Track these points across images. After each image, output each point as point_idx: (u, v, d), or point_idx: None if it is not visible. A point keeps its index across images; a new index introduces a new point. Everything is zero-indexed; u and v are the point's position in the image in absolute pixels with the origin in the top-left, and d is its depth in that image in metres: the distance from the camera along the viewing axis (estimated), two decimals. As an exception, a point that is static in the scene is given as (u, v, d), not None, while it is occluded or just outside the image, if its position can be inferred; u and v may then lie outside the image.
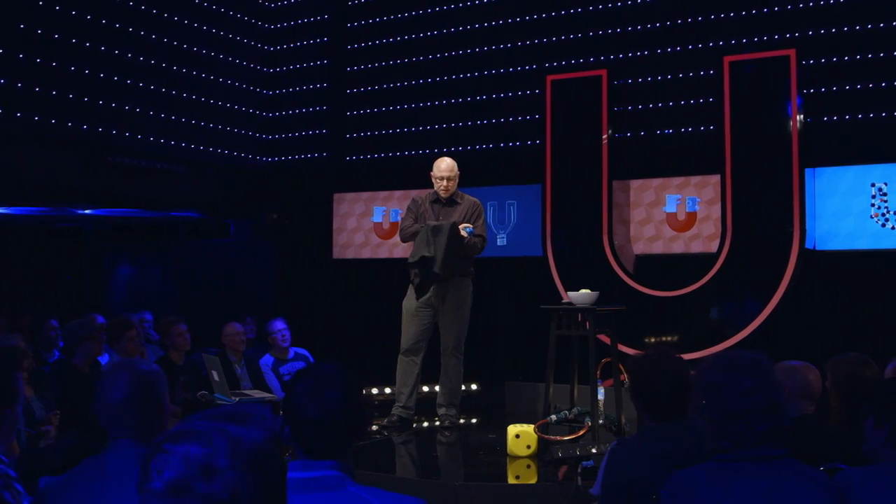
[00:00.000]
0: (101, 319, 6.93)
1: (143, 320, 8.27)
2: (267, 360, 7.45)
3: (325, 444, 2.20)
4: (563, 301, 5.55)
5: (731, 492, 2.51)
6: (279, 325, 7.59)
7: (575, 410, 5.33)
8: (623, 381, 5.41)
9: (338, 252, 10.35)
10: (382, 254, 10.12)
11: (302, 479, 2.16)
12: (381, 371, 8.48)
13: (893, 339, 6.61)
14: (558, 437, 5.22)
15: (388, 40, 10.35)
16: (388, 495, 2.18)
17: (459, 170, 6.83)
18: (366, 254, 10.20)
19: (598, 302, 5.52)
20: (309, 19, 10.81)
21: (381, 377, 7.90)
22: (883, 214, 7.77)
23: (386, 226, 10.12)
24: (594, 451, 4.63)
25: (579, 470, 4.48)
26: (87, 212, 10.13)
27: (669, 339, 8.21)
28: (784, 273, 7.72)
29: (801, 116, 7.74)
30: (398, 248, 9.99)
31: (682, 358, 3.51)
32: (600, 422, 5.18)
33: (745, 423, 2.55)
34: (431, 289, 6.28)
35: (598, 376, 5.47)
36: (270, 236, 10.53)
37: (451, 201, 6.58)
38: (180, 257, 11.48)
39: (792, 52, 7.79)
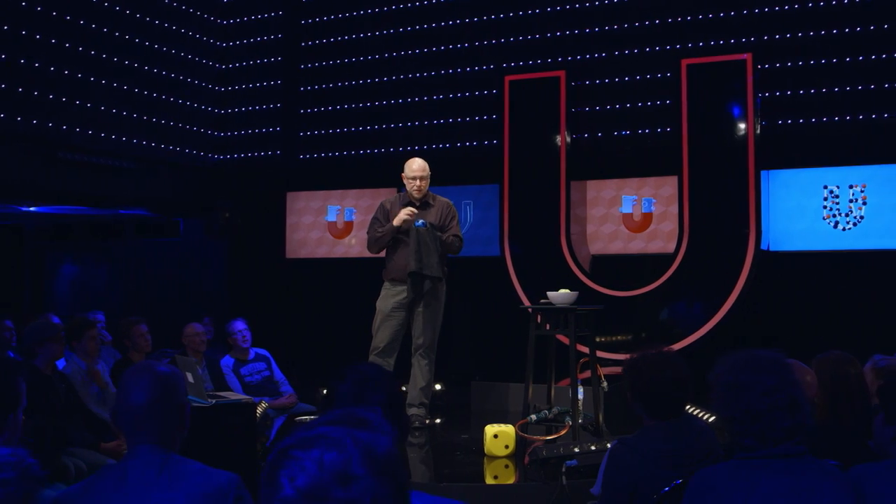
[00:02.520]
0: (56, 320, 6.73)
1: (96, 321, 8.05)
2: (227, 362, 7.32)
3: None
4: (542, 301, 5.55)
5: (757, 489, 2.53)
6: (239, 325, 7.46)
7: (555, 410, 5.35)
8: (601, 380, 5.44)
9: (291, 251, 10.23)
10: (337, 253, 10.03)
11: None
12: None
13: (846, 338, 6.77)
14: (542, 438, 5.23)
15: (343, 38, 10.26)
16: (431, 499, 2.14)
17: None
18: (320, 253, 10.10)
19: (575, 302, 5.53)
20: (263, 15, 10.65)
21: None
22: (834, 216, 7.96)
23: (340, 225, 10.03)
24: (577, 450, 4.65)
25: (563, 469, 4.49)
26: (31, 209, 9.84)
27: (624, 338, 8.30)
28: (740, 273, 7.86)
29: (757, 119, 7.89)
30: (354, 248, 9.92)
31: (680, 356, 3.53)
32: (580, 421, 5.20)
33: (769, 421, 2.57)
34: (406, 289, 6.24)
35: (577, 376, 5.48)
36: (222, 235, 10.35)
37: (424, 203, 6.52)
38: (127, 256, 11.22)
39: (748, 56, 7.94)
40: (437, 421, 6.57)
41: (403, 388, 6.63)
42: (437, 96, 9.74)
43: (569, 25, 9.11)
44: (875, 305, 7.71)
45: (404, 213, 6.32)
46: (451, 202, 6.63)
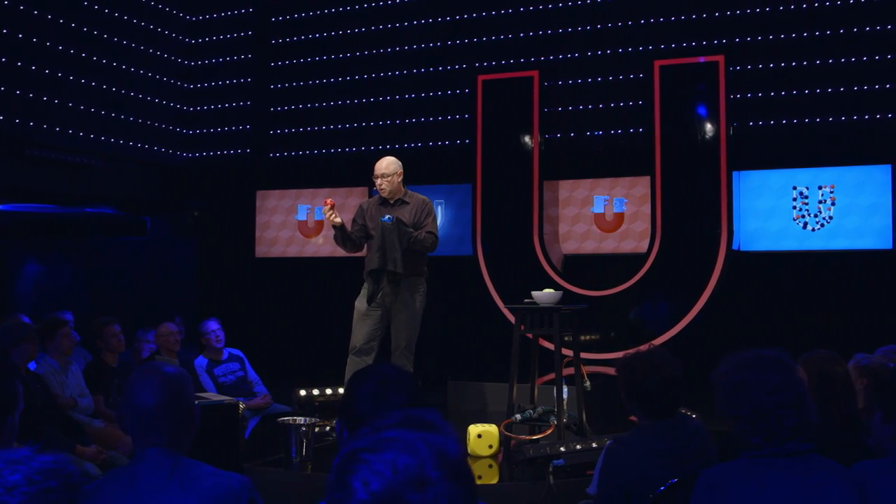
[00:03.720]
0: (26, 320, 6.61)
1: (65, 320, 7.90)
2: (201, 362, 7.22)
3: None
4: (527, 301, 5.55)
5: (765, 487, 2.55)
6: (213, 325, 7.37)
7: (539, 409, 5.35)
8: (584, 379, 5.46)
9: (261, 251, 10.14)
10: (308, 252, 9.97)
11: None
12: (315, 371, 8.36)
13: (816, 336, 6.87)
14: (529, 437, 5.23)
15: (314, 35, 10.20)
16: None
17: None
18: (291, 252, 10.03)
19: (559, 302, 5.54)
20: (233, 12, 10.55)
21: (317, 377, 7.79)
22: (804, 217, 8.07)
23: (311, 224, 9.97)
24: (563, 449, 4.65)
25: (550, 469, 4.49)
26: (-5, 207, 9.66)
27: (597, 337, 8.34)
28: (712, 272, 7.94)
29: (729, 121, 7.96)
30: (325, 247, 9.86)
31: (673, 356, 3.55)
32: (564, 420, 5.21)
33: (775, 419, 2.59)
34: (383, 288, 6.18)
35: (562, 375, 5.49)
36: (190, 234, 10.23)
37: (399, 201, 6.45)
38: (92, 255, 11.03)
39: (721, 58, 8.02)
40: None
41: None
42: (410, 95, 9.71)
43: (542, 26, 9.14)
44: (844, 305, 7.84)
45: (327, 201, 6.23)
46: (427, 199, 6.57)
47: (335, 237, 6.40)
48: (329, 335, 9.31)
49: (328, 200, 6.26)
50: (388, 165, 6.42)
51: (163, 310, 9.33)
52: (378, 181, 6.40)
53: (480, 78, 8.83)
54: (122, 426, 2.40)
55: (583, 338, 8.12)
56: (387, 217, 6.18)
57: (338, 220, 6.19)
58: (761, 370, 2.67)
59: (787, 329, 7.85)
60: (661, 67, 8.21)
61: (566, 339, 5.83)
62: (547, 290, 5.48)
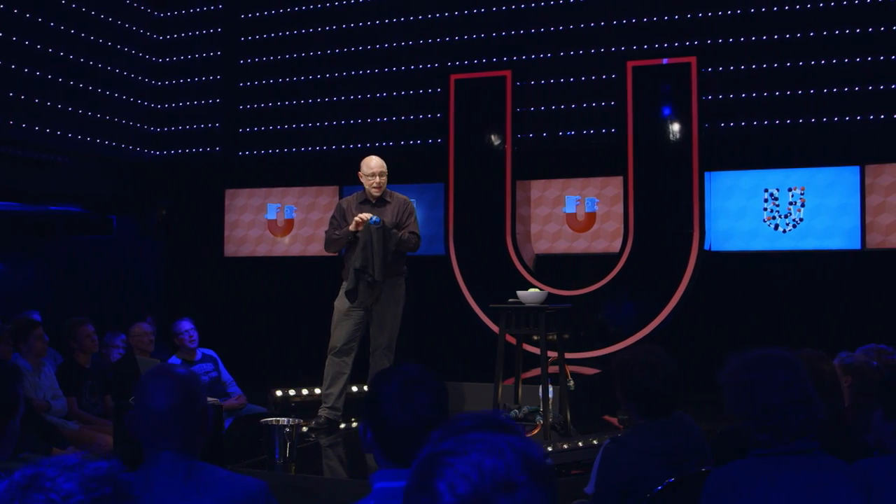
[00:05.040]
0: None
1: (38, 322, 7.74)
2: (174, 363, 7.12)
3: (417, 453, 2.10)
4: (511, 300, 5.55)
5: (776, 485, 2.58)
6: (186, 325, 7.27)
7: (525, 409, 5.35)
8: (568, 379, 5.47)
9: (230, 250, 10.04)
10: (278, 251, 9.88)
11: (396, 488, 2.06)
12: (287, 371, 8.29)
13: (786, 335, 6.96)
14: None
15: (285, 33, 10.10)
16: None
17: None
18: (261, 251, 9.94)
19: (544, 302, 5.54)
20: (202, 8, 10.41)
21: (288, 377, 7.73)
22: (774, 218, 8.17)
23: (281, 223, 9.88)
24: (550, 449, 4.66)
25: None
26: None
27: (570, 337, 8.36)
28: (684, 272, 8.00)
29: (701, 122, 8.03)
30: (295, 246, 9.79)
31: (669, 355, 3.56)
32: (550, 420, 5.22)
33: (783, 416, 2.62)
34: (363, 288, 6.13)
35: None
36: (157, 233, 10.08)
37: (381, 201, 6.42)
38: (56, 255, 10.84)
39: (693, 60, 8.08)
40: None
41: None
42: (382, 94, 9.67)
43: (515, 25, 9.14)
44: (813, 304, 7.95)
45: (358, 218, 6.18)
46: (408, 199, 6.56)
47: (338, 238, 6.32)
48: (300, 335, 9.25)
49: (364, 217, 6.16)
50: (383, 165, 6.42)
51: (129, 310, 9.19)
52: (376, 179, 6.35)
53: (453, 77, 8.80)
54: (133, 429, 2.34)
55: (550, 337, 8.18)
56: (374, 219, 6.13)
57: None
58: (769, 369, 2.70)
59: (757, 328, 7.96)
60: (634, 68, 8.26)
61: (550, 338, 5.83)
62: (532, 290, 5.49)
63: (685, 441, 3.49)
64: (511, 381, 6.11)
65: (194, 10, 10.44)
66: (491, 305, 5.87)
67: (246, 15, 10.26)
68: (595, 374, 7.21)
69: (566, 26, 8.96)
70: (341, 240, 6.31)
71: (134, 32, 10.15)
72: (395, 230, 6.23)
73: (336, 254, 6.61)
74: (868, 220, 7.87)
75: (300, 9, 10.02)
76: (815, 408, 2.67)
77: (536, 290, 5.53)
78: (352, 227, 6.19)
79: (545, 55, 9.03)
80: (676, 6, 8.61)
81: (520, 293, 5.49)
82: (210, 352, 7.46)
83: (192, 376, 2.38)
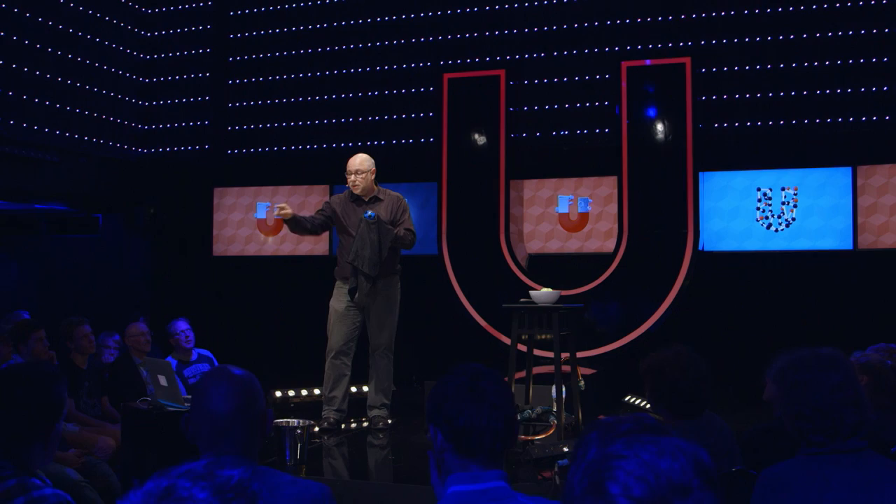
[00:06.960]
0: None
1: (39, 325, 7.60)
2: (170, 363, 7.03)
3: (491, 455, 2.09)
4: (523, 300, 5.53)
5: (831, 483, 2.59)
6: (182, 325, 7.19)
7: (539, 409, 5.34)
8: (579, 378, 5.47)
9: (219, 249, 9.94)
10: (268, 251, 9.81)
11: (473, 491, 2.04)
12: (279, 371, 8.22)
13: (778, 335, 7.02)
14: (532, 437, 5.21)
15: (275, 31, 10.02)
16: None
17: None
18: (250, 251, 9.86)
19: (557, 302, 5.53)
20: (191, 5, 10.30)
21: (280, 377, 7.67)
22: (767, 218, 8.23)
23: (270, 222, 9.80)
24: (566, 449, 4.65)
25: (556, 469, 4.48)
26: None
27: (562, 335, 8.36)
28: (678, 272, 8.03)
29: (695, 122, 8.07)
30: (285, 245, 9.71)
31: (699, 355, 3.57)
32: (563, 420, 5.21)
33: (838, 416, 2.63)
34: (362, 287, 6.11)
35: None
36: (145, 232, 9.96)
37: (373, 198, 6.40)
38: (41, 253, 10.67)
39: (687, 60, 8.12)
40: (390, 422, 6.45)
41: (395, 388, 6.53)
42: (374, 93, 9.62)
43: (509, 25, 9.13)
44: (805, 304, 8.01)
45: (276, 212, 6.22)
46: (401, 196, 6.55)
47: (301, 222, 6.33)
48: (290, 335, 9.18)
49: (284, 207, 6.21)
50: (361, 162, 6.38)
51: (117, 310, 9.07)
52: (351, 178, 6.34)
53: (446, 76, 8.78)
54: (191, 432, 2.29)
55: (540, 337, 8.19)
56: (369, 213, 6.11)
57: (287, 211, 6.14)
58: (821, 369, 2.71)
59: (751, 327, 8.01)
60: (628, 68, 8.28)
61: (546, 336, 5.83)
62: (545, 290, 5.48)
63: (716, 442, 3.50)
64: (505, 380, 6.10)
65: (183, 7, 10.32)
66: (504, 305, 5.84)
67: (235, 12, 10.16)
68: (594, 374, 7.21)
69: (560, 26, 8.96)
70: (302, 224, 6.28)
71: (122, 29, 10.02)
72: (390, 226, 6.22)
73: (314, 235, 6.63)
74: (860, 220, 7.95)
75: (290, 6, 9.94)
76: (865, 409, 2.68)
77: (549, 290, 5.51)
78: (275, 214, 6.23)
79: (539, 55, 9.02)
80: (670, 7, 8.64)
81: (532, 293, 5.48)
82: (206, 352, 7.39)
83: (251, 378, 2.33)
